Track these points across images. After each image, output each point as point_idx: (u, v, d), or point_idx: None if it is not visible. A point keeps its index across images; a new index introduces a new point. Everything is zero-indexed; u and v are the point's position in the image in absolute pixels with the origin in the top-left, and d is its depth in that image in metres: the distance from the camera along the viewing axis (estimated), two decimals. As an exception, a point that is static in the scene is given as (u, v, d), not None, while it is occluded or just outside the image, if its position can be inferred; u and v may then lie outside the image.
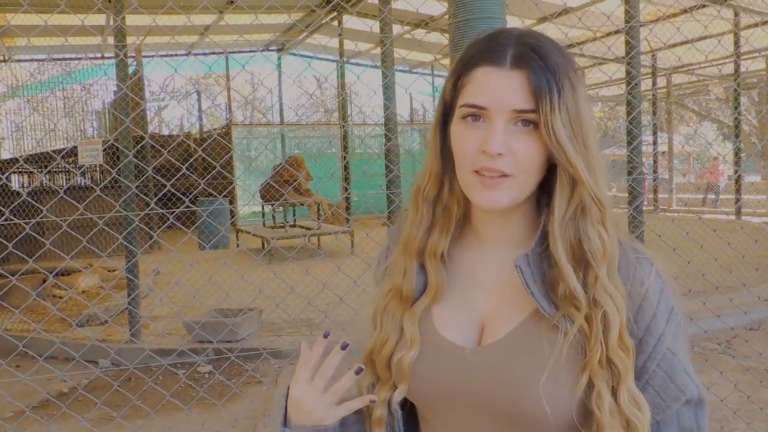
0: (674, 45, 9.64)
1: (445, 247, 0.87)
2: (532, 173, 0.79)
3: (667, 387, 0.80)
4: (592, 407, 0.76)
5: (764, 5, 8.49)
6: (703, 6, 8.67)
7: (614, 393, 0.76)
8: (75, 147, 9.54)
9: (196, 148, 11.74)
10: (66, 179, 12.15)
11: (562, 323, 0.78)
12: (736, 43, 10.29)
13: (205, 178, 3.34)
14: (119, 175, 4.20)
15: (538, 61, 0.76)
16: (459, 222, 0.89)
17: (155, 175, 2.88)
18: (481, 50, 0.80)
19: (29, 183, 12.02)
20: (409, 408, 0.91)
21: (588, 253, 0.78)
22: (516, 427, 0.79)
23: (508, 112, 0.77)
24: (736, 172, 11.80)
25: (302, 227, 9.82)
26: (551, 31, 10.26)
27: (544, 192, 0.84)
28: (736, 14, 9.75)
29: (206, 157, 3.30)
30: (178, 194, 3.19)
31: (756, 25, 9.70)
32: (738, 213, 11.49)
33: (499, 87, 0.77)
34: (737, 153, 12.33)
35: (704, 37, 9.12)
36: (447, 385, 0.83)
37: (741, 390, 3.35)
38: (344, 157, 11.08)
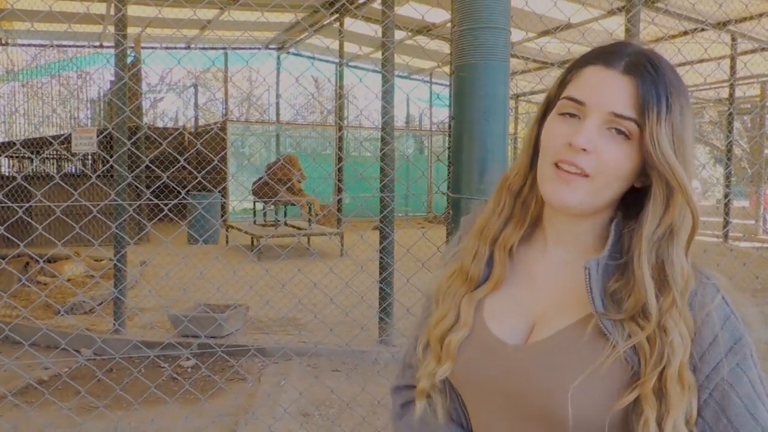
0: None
1: (515, 242, 0.88)
2: (611, 182, 0.78)
3: (718, 421, 0.75)
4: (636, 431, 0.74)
5: (764, 32, 8.62)
6: (703, 30, 8.77)
7: (659, 424, 0.73)
8: (66, 134, 9.48)
9: (195, 140, 11.69)
10: (57, 166, 12.04)
11: (613, 334, 0.76)
12: (732, 68, 10.42)
13: (202, 173, 3.32)
14: (114, 164, 4.16)
15: (652, 71, 0.76)
16: (532, 221, 0.89)
17: (151, 165, 2.86)
18: (599, 52, 0.80)
19: (19, 168, 11.89)
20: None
21: (670, 278, 0.76)
22: (542, 427, 0.79)
23: (605, 113, 0.76)
24: (726, 196, 11.91)
25: (293, 227, 9.79)
26: (553, 45, 10.34)
27: (619, 209, 0.83)
28: (733, 39, 9.87)
29: (203, 149, 3.28)
30: (173, 185, 3.16)
31: (753, 51, 9.82)
32: (726, 237, 11.59)
33: (604, 86, 0.77)
34: (728, 177, 12.45)
35: (702, 60, 9.21)
36: (484, 377, 0.84)
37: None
38: (340, 158, 11.05)
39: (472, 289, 0.88)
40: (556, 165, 0.78)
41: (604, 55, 0.78)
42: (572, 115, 0.79)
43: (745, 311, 0.79)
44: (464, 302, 0.88)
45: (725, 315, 0.76)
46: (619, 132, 0.76)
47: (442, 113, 17.13)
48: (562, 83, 0.82)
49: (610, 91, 0.76)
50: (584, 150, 0.76)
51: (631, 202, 0.82)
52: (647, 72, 0.76)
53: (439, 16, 9.75)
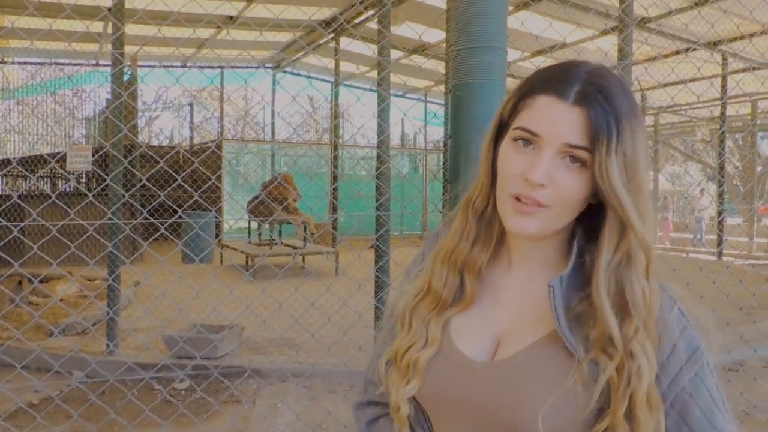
0: (666, 84, 9.85)
1: (483, 262, 0.89)
2: (570, 208, 0.79)
3: (679, 429, 0.78)
4: None
5: (755, 51, 8.74)
6: (695, 49, 8.87)
7: None
8: (61, 153, 9.45)
9: (191, 158, 11.68)
10: (51, 184, 12.00)
11: (578, 351, 0.77)
12: (724, 87, 10.54)
13: (198, 192, 3.30)
14: (110, 183, 4.14)
15: (602, 101, 0.76)
16: (497, 240, 0.90)
17: (148, 183, 2.84)
18: (549, 79, 0.80)
19: (13, 186, 11.84)
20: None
21: (630, 303, 0.77)
22: None
23: (559, 145, 0.77)
24: (719, 213, 11.96)
25: (287, 245, 9.75)
26: (547, 64, 10.42)
27: (579, 222, 0.84)
28: (724, 59, 9.99)
29: (200, 167, 3.27)
30: (168, 203, 3.14)
31: (744, 70, 9.94)
32: (720, 255, 11.61)
33: (557, 119, 0.77)
34: (721, 194, 12.53)
35: (695, 79, 9.32)
36: (453, 395, 0.84)
37: None
38: (336, 177, 11.05)
39: (441, 310, 0.89)
40: (516, 198, 0.79)
41: (554, 84, 0.78)
42: (526, 142, 0.79)
43: (701, 318, 0.81)
44: (433, 323, 0.88)
45: (682, 326, 0.79)
46: (574, 160, 0.77)
47: (437, 132, 17.22)
48: (515, 107, 0.82)
49: (562, 123, 0.76)
50: (541, 185, 0.77)
51: (588, 212, 0.83)
52: (597, 102, 0.76)
53: (434, 36, 9.84)
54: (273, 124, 15.77)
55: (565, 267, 0.82)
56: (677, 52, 8.94)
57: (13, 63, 12.59)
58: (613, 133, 0.75)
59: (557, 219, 0.80)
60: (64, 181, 11.90)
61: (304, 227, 9.51)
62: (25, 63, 13.18)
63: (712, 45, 8.92)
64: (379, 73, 4.56)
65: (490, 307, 0.88)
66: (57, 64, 12.99)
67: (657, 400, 0.76)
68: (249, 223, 10.49)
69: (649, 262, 0.78)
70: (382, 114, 4.43)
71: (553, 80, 0.79)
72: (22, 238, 2.59)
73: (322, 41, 11.32)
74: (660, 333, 0.77)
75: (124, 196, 3.70)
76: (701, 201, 16.30)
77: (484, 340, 0.85)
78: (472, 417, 0.82)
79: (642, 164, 0.78)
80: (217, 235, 11.42)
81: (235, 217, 12.81)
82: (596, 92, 0.77)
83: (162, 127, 23.05)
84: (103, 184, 7.12)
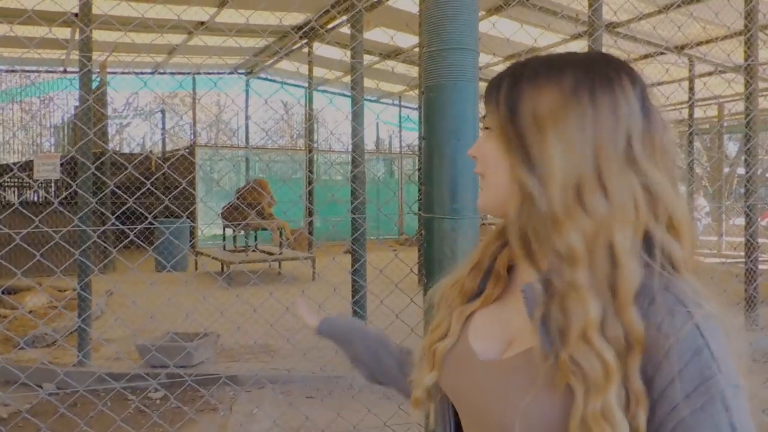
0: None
1: (506, 260, 0.91)
2: (498, 171, 0.81)
3: None
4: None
5: (721, 54, 8.95)
6: (662, 53, 9.06)
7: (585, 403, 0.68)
8: (28, 160, 9.24)
9: (162, 163, 11.51)
10: (18, 193, 11.72)
11: (552, 354, 0.73)
12: (691, 89, 10.79)
13: (168, 197, 3.26)
14: (78, 189, 4.05)
15: (504, 73, 0.83)
16: None
17: (117, 191, 2.79)
18: None
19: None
20: None
21: (545, 249, 0.74)
22: None
23: (482, 124, 0.86)
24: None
25: (263, 252, 9.67)
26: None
27: None
28: (691, 62, 10.22)
29: (172, 173, 3.22)
30: (140, 210, 3.08)
31: (711, 73, 10.18)
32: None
33: None
34: (690, 195, 12.78)
35: (662, 83, 9.51)
36: (457, 388, 0.87)
37: None
38: (311, 182, 10.99)
39: (465, 301, 0.91)
40: None
41: None
42: None
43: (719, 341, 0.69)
44: (456, 314, 0.91)
45: (694, 349, 0.67)
46: (487, 128, 0.84)
47: (412, 136, 17.29)
48: None
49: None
50: (474, 157, 0.86)
51: None
52: (501, 75, 0.83)
53: (406, 41, 9.88)
54: (246, 129, 15.65)
55: None
56: (646, 56, 9.12)
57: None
58: (493, 88, 0.81)
59: (493, 185, 0.83)
60: (31, 191, 11.64)
61: (280, 233, 9.44)
62: (-10, 70, 12.86)
63: (680, 49, 9.12)
64: (352, 77, 4.56)
65: (510, 306, 0.87)
66: (23, 71, 12.71)
67: (605, 353, 0.68)
68: (224, 230, 10.37)
69: (550, 203, 0.73)
70: (356, 117, 4.43)
71: None
72: (-13, 246, 2.51)
73: (294, 46, 11.28)
74: (664, 354, 0.67)
75: (92, 203, 3.61)
76: (698, 201, 16.42)
77: (496, 340, 0.85)
78: (471, 412, 0.84)
79: (527, 110, 0.76)
80: (191, 242, 11.26)
81: (208, 223, 12.65)
82: (509, 68, 0.83)
83: (133, 134, 22.72)
84: (70, 190, 6.97)
